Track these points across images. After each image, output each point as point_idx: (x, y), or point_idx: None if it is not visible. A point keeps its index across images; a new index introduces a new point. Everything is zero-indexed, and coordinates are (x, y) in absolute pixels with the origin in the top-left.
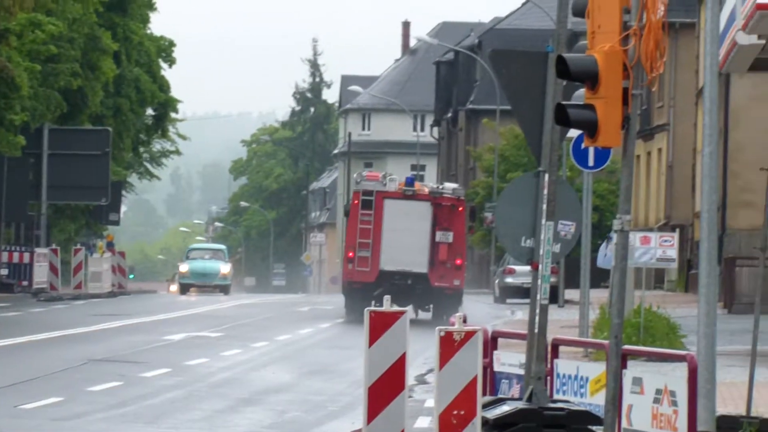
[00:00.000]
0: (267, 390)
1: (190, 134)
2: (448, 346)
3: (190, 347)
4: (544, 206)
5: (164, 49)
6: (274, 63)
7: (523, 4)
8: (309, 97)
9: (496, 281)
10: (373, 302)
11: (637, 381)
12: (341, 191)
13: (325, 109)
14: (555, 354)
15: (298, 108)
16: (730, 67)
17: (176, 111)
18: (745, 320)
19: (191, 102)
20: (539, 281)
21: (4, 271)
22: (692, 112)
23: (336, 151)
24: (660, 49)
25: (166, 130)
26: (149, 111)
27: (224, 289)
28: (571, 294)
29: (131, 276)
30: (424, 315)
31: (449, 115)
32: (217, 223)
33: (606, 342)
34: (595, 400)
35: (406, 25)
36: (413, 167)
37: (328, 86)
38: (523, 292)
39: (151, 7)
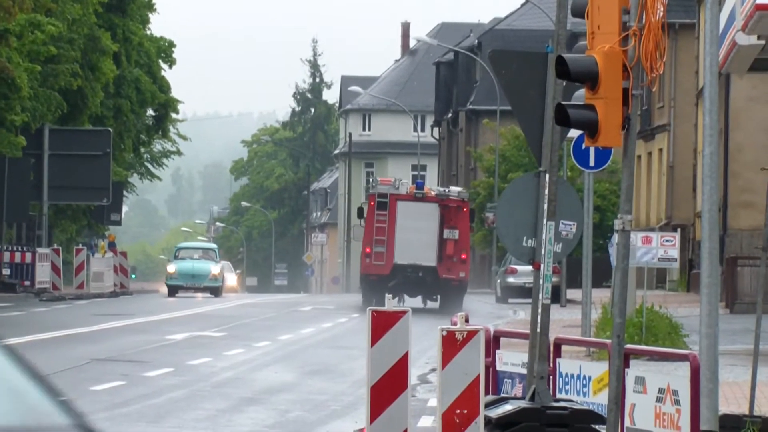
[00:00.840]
0: (269, 389)
1: (191, 135)
2: (451, 346)
3: (193, 347)
4: (545, 206)
5: (164, 49)
6: (274, 63)
7: (523, 5)
8: (309, 98)
9: (498, 281)
10: (387, 293)
11: (640, 380)
12: (342, 191)
13: (326, 109)
14: (557, 353)
15: (298, 108)
16: (730, 67)
17: (177, 111)
18: (746, 320)
19: (192, 102)
20: (541, 281)
21: (6, 271)
22: (692, 112)
23: (336, 152)
24: (660, 49)
25: (166, 131)
26: (150, 111)
27: (215, 291)
28: (573, 294)
29: (133, 276)
30: (431, 305)
31: (449, 115)
32: (218, 223)
33: (608, 341)
34: (598, 400)
35: (405, 26)
36: (414, 168)
37: (329, 87)
38: (525, 292)
39: (151, 7)
